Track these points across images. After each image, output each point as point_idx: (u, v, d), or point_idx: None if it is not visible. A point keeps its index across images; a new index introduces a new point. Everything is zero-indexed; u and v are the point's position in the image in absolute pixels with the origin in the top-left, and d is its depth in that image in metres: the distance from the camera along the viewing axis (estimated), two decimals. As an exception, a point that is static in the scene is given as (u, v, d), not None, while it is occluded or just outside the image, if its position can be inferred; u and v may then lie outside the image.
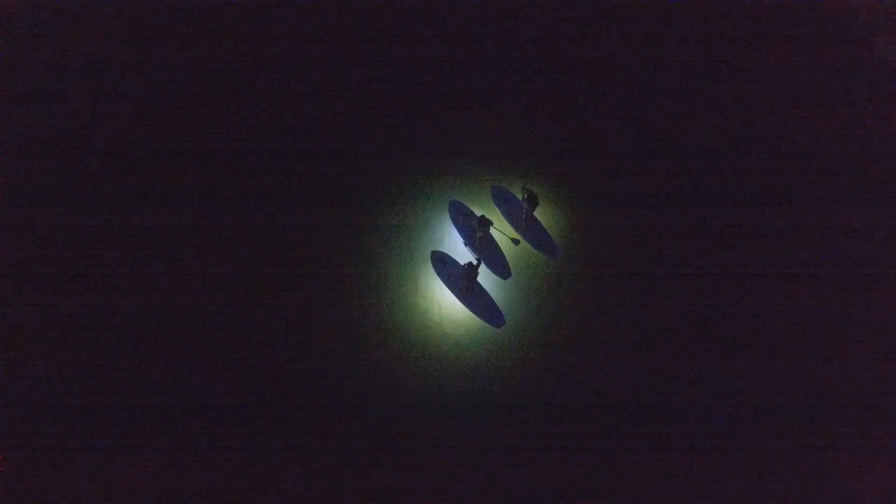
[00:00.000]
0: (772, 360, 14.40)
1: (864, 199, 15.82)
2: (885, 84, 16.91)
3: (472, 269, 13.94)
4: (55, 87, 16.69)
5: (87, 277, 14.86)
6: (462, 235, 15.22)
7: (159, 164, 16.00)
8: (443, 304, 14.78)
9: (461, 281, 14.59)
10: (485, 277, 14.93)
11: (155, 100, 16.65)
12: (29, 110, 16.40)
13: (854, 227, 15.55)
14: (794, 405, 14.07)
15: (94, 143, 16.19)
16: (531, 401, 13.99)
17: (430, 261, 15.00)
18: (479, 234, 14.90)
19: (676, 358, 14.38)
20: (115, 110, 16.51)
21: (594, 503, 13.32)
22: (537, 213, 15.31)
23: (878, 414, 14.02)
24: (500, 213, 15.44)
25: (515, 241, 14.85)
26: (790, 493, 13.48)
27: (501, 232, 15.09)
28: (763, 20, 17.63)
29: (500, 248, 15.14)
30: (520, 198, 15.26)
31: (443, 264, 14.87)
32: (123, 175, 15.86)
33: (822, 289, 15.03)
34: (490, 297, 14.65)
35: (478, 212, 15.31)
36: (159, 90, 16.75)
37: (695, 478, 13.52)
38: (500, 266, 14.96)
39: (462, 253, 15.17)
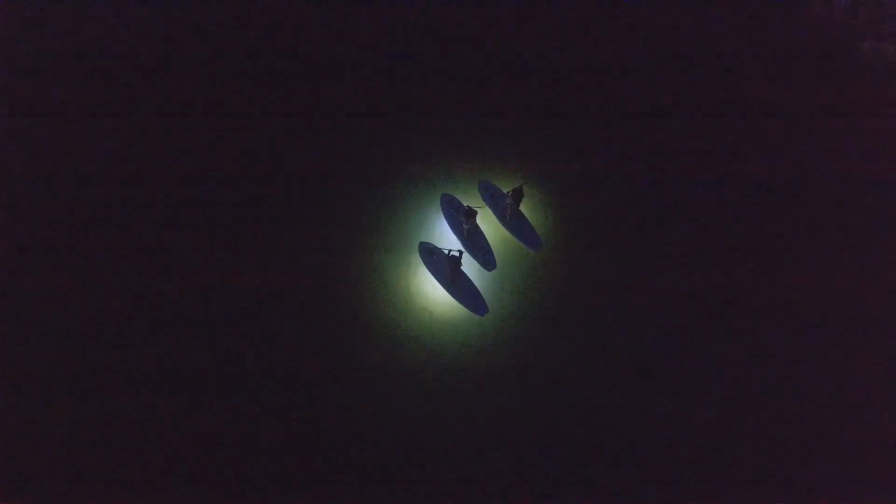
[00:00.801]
0: (756, 349, 14.68)
1: (848, 196, 16.13)
2: (870, 88, 17.14)
3: (453, 260, 14.42)
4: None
5: (85, 275, 15.40)
6: (451, 227, 15.70)
7: (155, 158, 16.63)
8: (430, 296, 15.26)
9: (446, 270, 15.06)
10: (472, 268, 15.38)
11: (148, 95, 17.32)
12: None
13: (842, 223, 15.90)
14: (781, 397, 14.30)
15: (90, 139, 16.93)
16: (511, 388, 14.36)
17: (418, 251, 15.53)
18: (466, 226, 15.37)
19: (656, 349, 14.69)
20: (111, 110, 17.23)
21: (572, 490, 13.58)
22: (522, 208, 15.82)
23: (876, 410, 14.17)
24: (487, 207, 15.92)
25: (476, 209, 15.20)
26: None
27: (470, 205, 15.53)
28: (750, 25, 17.98)
29: (486, 240, 15.60)
30: (508, 192, 15.72)
31: (430, 255, 15.36)
32: (114, 171, 16.48)
33: (800, 275, 15.39)
34: (475, 286, 15.08)
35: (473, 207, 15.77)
36: (152, 86, 17.43)
37: (679, 467, 13.75)
38: (486, 258, 15.40)
39: (452, 243, 15.65)
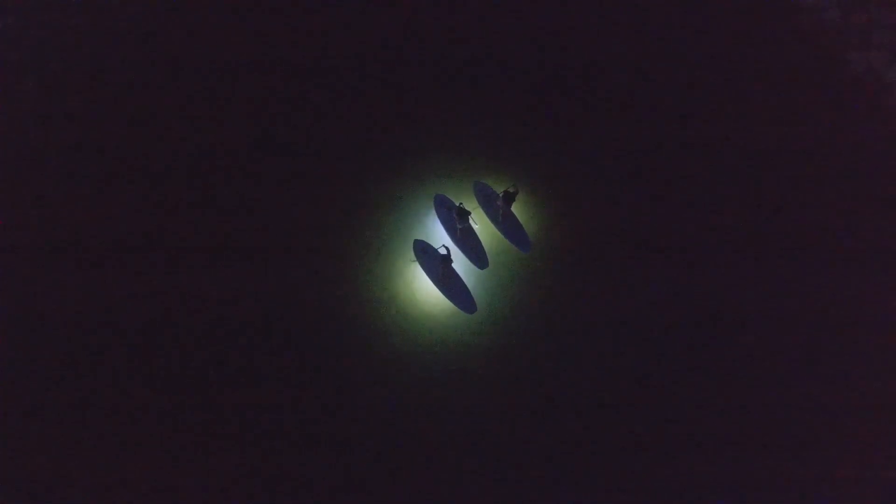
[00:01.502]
0: (749, 353, 14.93)
1: (842, 203, 16.35)
2: (861, 99, 17.40)
3: (442, 258, 14.82)
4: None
5: (81, 268, 15.66)
6: (445, 227, 15.98)
7: (153, 157, 16.83)
8: (421, 294, 15.54)
9: (438, 269, 15.32)
10: (464, 267, 15.66)
11: (147, 90, 17.54)
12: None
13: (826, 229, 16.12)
14: (774, 405, 14.53)
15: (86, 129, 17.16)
16: (498, 384, 14.67)
17: (412, 248, 15.85)
18: (459, 226, 15.62)
19: (643, 351, 14.96)
20: (109, 100, 17.48)
21: (560, 491, 13.85)
22: (515, 210, 16.13)
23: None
24: (480, 208, 16.23)
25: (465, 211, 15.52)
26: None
27: (474, 221, 15.85)
28: (740, 36, 18.24)
29: (479, 239, 15.92)
30: (500, 194, 15.95)
31: (423, 253, 15.63)
32: (113, 162, 16.70)
33: (796, 283, 15.57)
34: (465, 285, 15.32)
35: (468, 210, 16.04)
36: (151, 81, 17.66)
37: (666, 466, 14.01)
38: (478, 256, 15.69)
39: (446, 242, 15.90)
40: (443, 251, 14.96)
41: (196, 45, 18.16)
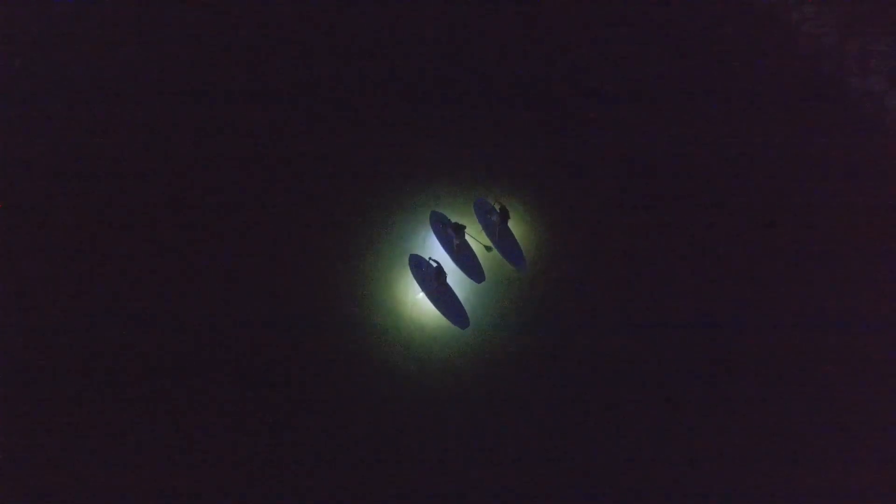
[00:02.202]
0: (742, 368, 14.83)
1: (839, 223, 16.35)
2: (858, 118, 17.52)
3: (435, 272, 14.93)
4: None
5: (84, 275, 15.81)
6: (441, 243, 16.04)
7: (153, 166, 17.08)
8: (416, 303, 15.57)
9: (432, 283, 15.36)
10: (461, 282, 15.69)
11: (140, 102, 17.86)
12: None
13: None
14: (746, 410, 14.39)
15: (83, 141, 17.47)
16: (490, 397, 14.57)
17: (407, 263, 15.89)
18: (456, 242, 15.70)
19: (638, 365, 14.83)
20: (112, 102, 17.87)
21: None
22: (514, 228, 16.18)
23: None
24: (479, 225, 16.29)
25: (488, 248, 15.73)
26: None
27: (476, 239, 15.94)
28: (738, 58, 18.49)
29: (475, 254, 15.98)
30: (496, 209, 16.02)
31: (418, 268, 15.69)
32: (114, 175, 16.95)
33: (791, 300, 15.52)
34: (458, 300, 15.32)
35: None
36: (146, 91, 18.02)
37: (657, 476, 13.82)
38: (475, 272, 15.76)
39: (442, 257, 15.97)
40: (433, 264, 15.01)
41: (198, 53, 18.60)
